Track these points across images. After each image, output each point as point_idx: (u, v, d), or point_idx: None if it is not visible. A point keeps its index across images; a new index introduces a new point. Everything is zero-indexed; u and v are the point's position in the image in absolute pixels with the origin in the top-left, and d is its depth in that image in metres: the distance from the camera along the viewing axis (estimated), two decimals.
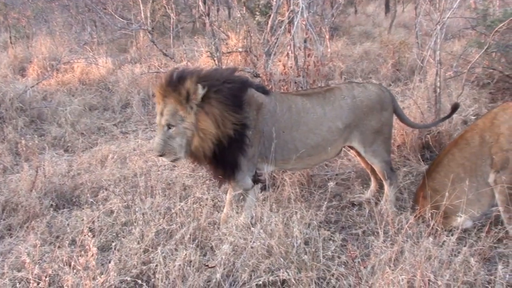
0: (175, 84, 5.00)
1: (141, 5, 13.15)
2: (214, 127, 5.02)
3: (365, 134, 5.78)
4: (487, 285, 4.35)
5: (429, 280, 4.06)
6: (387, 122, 5.93)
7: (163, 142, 5.07)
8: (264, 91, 5.67)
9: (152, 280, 4.45)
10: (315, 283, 4.33)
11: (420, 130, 7.20)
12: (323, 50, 11.56)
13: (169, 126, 5.06)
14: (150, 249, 4.87)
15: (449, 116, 6.37)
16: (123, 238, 5.09)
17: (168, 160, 5.42)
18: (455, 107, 6.14)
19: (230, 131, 5.10)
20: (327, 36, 12.51)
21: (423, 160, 7.14)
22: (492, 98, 9.62)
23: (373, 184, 6.42)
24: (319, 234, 4.81)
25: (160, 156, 5.21)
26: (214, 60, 10.63)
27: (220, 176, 5.47)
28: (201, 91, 4.95)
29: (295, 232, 4.68)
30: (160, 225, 5.16)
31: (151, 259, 4.70)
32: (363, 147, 5.85)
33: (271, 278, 4.33)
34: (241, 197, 5.52)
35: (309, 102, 5.65)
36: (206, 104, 5.03)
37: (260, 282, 4.31)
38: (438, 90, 7.61)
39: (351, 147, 6.13)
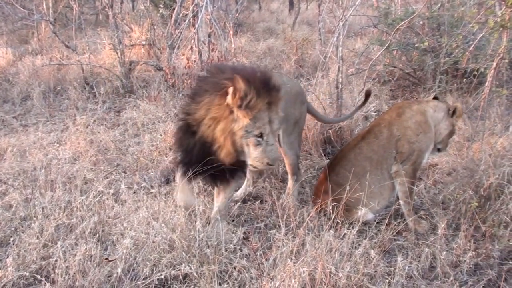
0: (277, 89, 4.68)
1: None
2: None
3: (288, 123, 5.71)
4: (386, 277, 4.50)
5: (330, 272, 4.16)
6: (304, 116, 6.04)
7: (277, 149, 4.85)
8: None
9: (52, 275, 4.36)
10: (217, 276, 4.35)
11: (322, 125, 7.36)
12: (227, 45, 11.64)
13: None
14: (49, 243, 4.75)
15: (364, 103, 6.57)
16: (22, 232, 4.92)
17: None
18: (368, 94, 6.35)
19: None
20: (231, 32, 12.57)
21: (324, 155, 7.29)
22: (392, 95, 9.97)
23: (248, 182, 6.42)
24: (220, 227, 4.86)
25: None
26: (117, 53, 10.47)
27: (229, 177, 5.11)
28: None
29: (197, 226, 4.71)
30: (60, 220, 5.05)
31: (51, 254, 4.59)
32: (284, 137, 5.79)
33: (173, 272, 4.32)
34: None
35: None
36: None
37: (162, 277, 4.29)
38: (340, 86, 7.80)
39: None
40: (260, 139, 4.55)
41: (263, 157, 4.59)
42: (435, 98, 6.04)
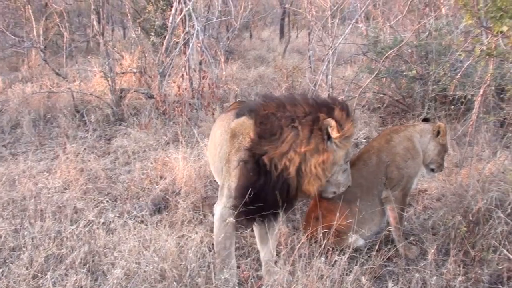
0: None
1: (33, 23, 12.84)
2: None
3: None
4: None
5: None
6: None
7: None
8: None
9: None
10: None
11: None
12: (218, 73, 11.72)
13: None
14: (39, 274, 4.72)
15: None
16: (11, 263, 4.91)
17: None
18: None
19: None
20: (222, 59, 12.67)
21: None
22: (382, 122, 10.03)
23: None
24: (212, 257, 4.86)
25: None
26: (108, 80, 10.52)
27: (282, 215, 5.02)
28: None
29: (188, 255, 4.71)
30: (50, 250, 5.02)
31: (41, 285, 4.57)
32: None
33: None
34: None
35: None
36: None
37: None
38: None
39: None
40: (347, 165, 4.72)
41: (348, 181, 4.80)
42: (426, 119, 6.11)
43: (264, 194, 4.48)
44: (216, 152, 5.05)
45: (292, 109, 4.47)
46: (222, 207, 4.67)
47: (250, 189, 4.45)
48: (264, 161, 4.42)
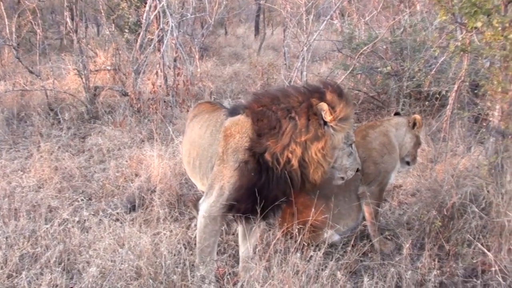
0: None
1: (6, 20, 12.65)
2: None
3: None
4: None
5: None
6: None
7: None
8: None
9: None
10: None
11: None
12: (192, 70, 11.69)
13: None
14: (14, 274, 4.68)
15: None
16: None
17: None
18: None
19: None
20: (197, 56, 12.62)
21: None
22: (357, 118, 10.06)
23: None
24: (188, 254, 4.85)
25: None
26: (82, 78, 10.43)
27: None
28: None
29: (163, 252, 4.69)
30: (24, 249, 4.99)
31: (16, 284, 4.53)
32: None
33: None
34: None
35: None
36: None
37: None
38: None
39: None
40: (351, 148, 4.63)
41: (356, 164, 4.70)
42: (397, 113, 6.14)
43: (265, 191, 4.45)
44: (201, 151, 4.97)
45: (286, 100, 4.44)
46: (209, 205, 4.60)
47: (250, 189, 4.42)
48: (266, 158, 4.39)
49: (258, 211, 4.40)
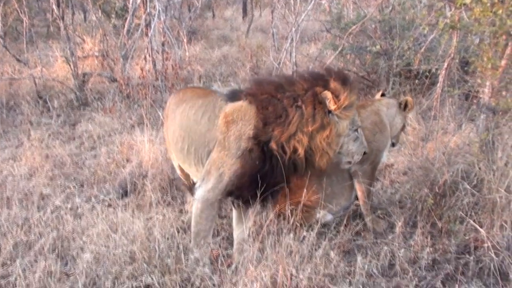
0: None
1: None
2: None
3: None
4: (347, 276, 4.56)
5: (291, 274, 4.18)
6: None
7: None
8: None
9: None
10: (179, 285, 4.34)
11: None
12: (181, 53, 11.65)
13: None
14: (8, 262, 4.69)
15: None
16: None
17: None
18: None
19: None
20: (185, 40, 12.58)
21: None
22: None
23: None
24: (181, 237, 4.85)
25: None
26: (70, 65, 10.36)
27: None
28: None
29: (157, 237, 4.69)
30: (18, 237, 4.99)
31: (10, 272, 4.53)
32: None
33: (134, 284, 4.30)
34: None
35: None
36: None
37: None
38: None
39: None
40: (357, 133, 4.64)
41: (362, 148, 4.72)
42: (382, 95, 6.14)
43: (268, 178, 4.47)
44: (197, 137, 4.85)
45: (291, 88, 4.42)
46: (207, 190, 4.58)
47: (253, 176, 4.42)
48: (271, 147, 4.38)
49: (258, 195, 4.41)
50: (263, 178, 4.42)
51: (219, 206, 4.76)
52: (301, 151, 4.37)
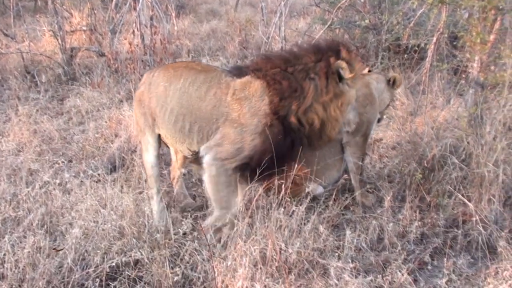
0: None
1: None
2: None
3: None
4: (336, 250, 4.58)
5: (280, 248, 4.21)
6: None
7: None
8: None
9: (1, 270, 4.28)
10: (168, 260, 4.34)
11: None
12: (169, 28, 11.55)
13: None
14: None
15: None
16: None
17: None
18: None
19: None
20: (173, 14, 12.47)
21: None
22: None
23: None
24: (169, 212, 4.86)
25: None
26: (57, 39, 10.27)
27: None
28: None
29: (146, 212, 4.69)
30: (6, 213, 4.97)
31: None
32: None
33: (124, 259, 4.30)
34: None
35: None
36: None
37: (113, 264, 4.27)
38: None
39: None
40: (355, 103, 4.76)
41: (356, 117, 4.89)
42: (369, 71, 6.14)
43: (288, 153, 4.57)
44: (202, 114, 4.69)
45: (300, 61, 4.46)
46: (220, 165, 4.60)
47: (276, 152, 4.46)
48: (291, 120, 4.44)
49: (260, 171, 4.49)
50: (284, 153, 4.51)
51: (233, 175, 4.71)
52: (317, 122, 4.47)
